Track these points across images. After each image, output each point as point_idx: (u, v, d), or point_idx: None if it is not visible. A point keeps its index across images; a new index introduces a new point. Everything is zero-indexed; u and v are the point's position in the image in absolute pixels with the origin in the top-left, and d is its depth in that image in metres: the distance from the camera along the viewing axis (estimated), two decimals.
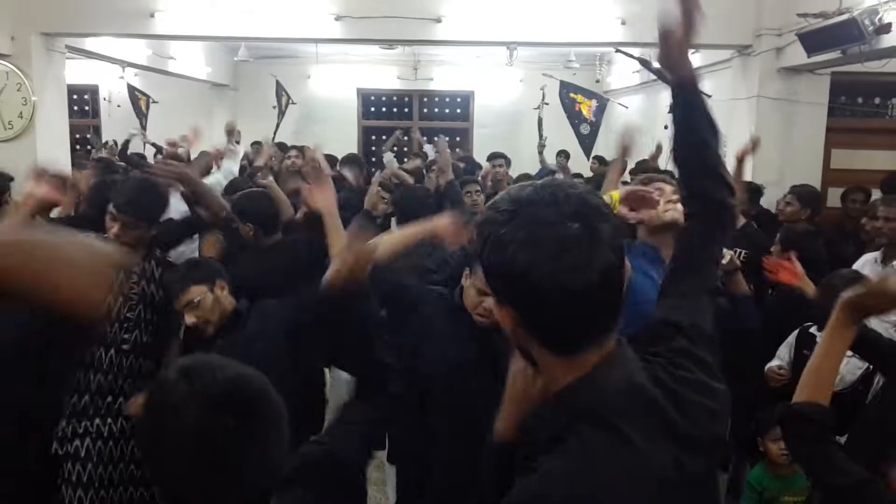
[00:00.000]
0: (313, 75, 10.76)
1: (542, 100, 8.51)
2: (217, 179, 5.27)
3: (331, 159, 6.30)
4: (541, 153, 8.14)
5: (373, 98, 11.46)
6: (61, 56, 6.23)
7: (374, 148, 11.53)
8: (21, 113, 5.74)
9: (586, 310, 0.92)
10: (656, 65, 1.68)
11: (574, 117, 8.03)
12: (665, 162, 6.09)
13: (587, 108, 8.22)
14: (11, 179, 3.77)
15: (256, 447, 1.03)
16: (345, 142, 10.18)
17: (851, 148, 5.97)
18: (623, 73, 9.40)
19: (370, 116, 11.50)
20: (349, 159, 5.91)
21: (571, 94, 8.11)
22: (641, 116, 8.55)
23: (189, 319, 2.36)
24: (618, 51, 7.21)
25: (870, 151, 5.94)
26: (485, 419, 1.26)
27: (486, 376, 1.95)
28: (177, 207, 3.24)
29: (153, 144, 8.18)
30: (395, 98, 11.45)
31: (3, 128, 5.75)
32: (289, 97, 10.14)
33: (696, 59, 7.06)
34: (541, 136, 8.23)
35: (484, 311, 2.13)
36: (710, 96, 6.10)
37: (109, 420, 2.63)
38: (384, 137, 11.62)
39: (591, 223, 0.91)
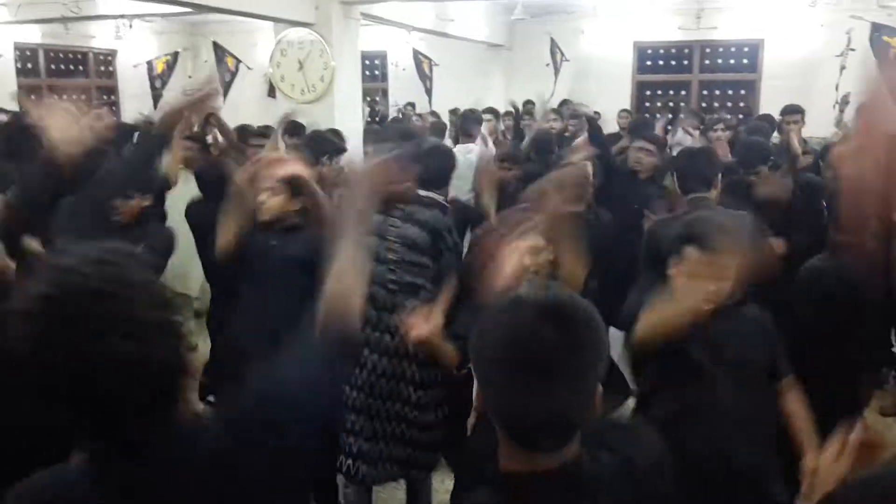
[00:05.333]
0: (587, 30, 10.52)
1: (847, 46, 7.50)
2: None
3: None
4: (842, 111, 7.18)
5: (649, 51, 10.94)
6: (356, 23, 6.76)
7: (647, 104, 11.08)
8: (322, 77, 6.33)
9: None
10: None
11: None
12: None
13: None
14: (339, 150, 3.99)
15: (572, 367, 1.01)
16: (617, 98, 9.90)
17: None
18: None
19: (645, 71, 11.01)
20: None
21: (885, 38, 7.12)
22: None
23: None
24: None
25: None
26: None
27: None
28: None
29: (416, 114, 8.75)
30: (673, 50, 10.83)
31: (307, 90, 6.40)
32: (563, 54, 10.08)
33: None
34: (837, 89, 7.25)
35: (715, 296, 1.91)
36: None
37: (375, 355, 2.79)
38: (659, 93, 11.13)
39: None
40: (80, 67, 11.02)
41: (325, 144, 3.91)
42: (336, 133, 4.83)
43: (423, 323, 2.26)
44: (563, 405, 1.02)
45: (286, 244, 2.82)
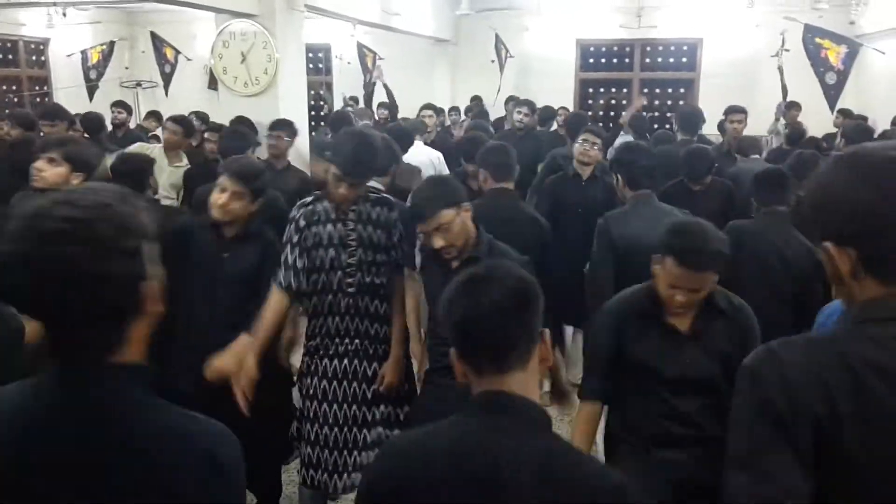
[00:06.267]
0: (531, 27, 10.62)
1: (782, 46, 7.75)
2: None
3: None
4: (777, 119, 7.42)
5: (591, 49, 11.11)
6: (301, 15, 6.65)
7: (590, 101, 11.24)
8: (266, 70, 6.21)
9: None
10: None
11: (819, 65, 7.28)
12: None
13: (835, 54, 7.42)
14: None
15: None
16: (560, 96, 10.01)
17: None
18: (882, 14, 8.27)
19: (588, 69, 11.18)
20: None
21: (817, 39, 7.35)
22: None
23: (438, 243, 2.36)
24: None
25: None
26: None
27: None
28: None
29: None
30: (615, 49, 11.03)
31: (250, 83, 6.28)
32: (507, 51, 10.14)
33: None
34: (784, 90, 7.47)
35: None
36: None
37: (335, 361, 2.74)
38: (601, 90, 11.31)
39: None
40: (10, 57, 10.57)
41: None
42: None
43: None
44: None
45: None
